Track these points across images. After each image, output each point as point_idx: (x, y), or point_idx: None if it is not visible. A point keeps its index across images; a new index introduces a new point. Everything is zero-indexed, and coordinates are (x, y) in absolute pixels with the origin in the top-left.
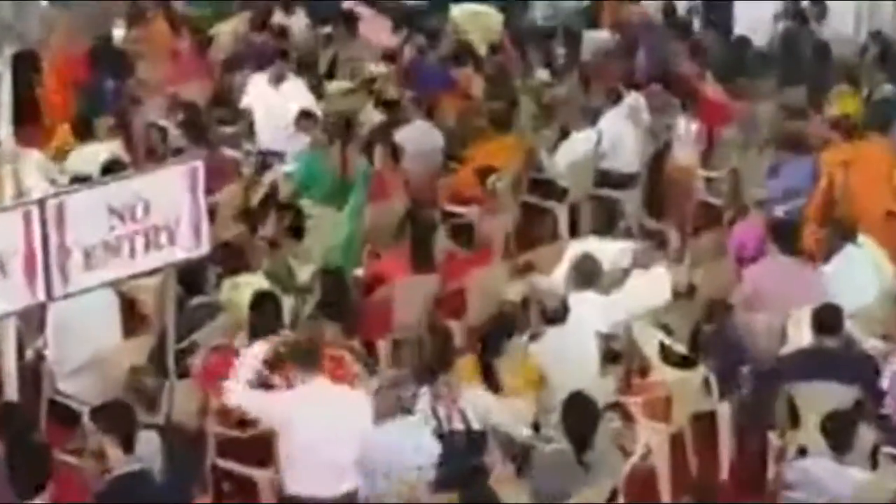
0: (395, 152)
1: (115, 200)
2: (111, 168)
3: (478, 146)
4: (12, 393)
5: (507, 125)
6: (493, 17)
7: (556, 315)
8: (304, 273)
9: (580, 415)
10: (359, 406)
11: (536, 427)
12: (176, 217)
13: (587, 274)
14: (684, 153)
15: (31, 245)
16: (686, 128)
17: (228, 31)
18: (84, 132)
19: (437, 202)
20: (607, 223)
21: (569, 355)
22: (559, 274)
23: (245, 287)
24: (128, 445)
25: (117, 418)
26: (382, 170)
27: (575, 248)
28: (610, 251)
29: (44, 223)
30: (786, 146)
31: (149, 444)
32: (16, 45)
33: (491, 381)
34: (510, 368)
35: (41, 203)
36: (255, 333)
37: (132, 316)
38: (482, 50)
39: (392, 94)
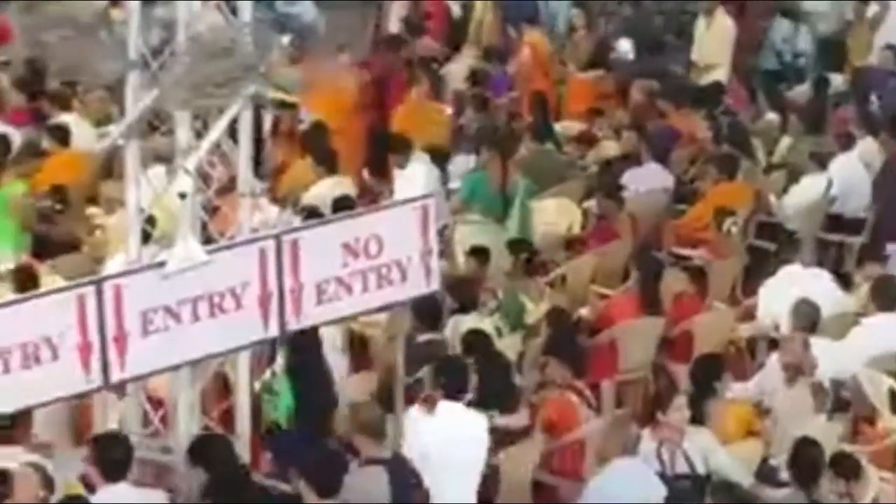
0: (618, 195)
1: (349, 237)
2: (342, 205)
3: (709, 188)
4: (244, 426)
5: (735, 169)
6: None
7: None
8: (535, 313)
9: (808, 459)
10: None
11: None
12: (408, 254)
13: (807, 319)
14: None
15: (266, 280)
16: None
17: (462, 67)
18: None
19: (664, 244)
20: (834, 267)
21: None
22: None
23: (467, 325)
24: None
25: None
26: (607, 211)
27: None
28: (833, 296)
29: (279, 258)
30: None
31: (375, 478)
32: (257, 84)
33: (701, 422)
34: (722, 411)
35: (277, 238)
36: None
37: (360, 351)
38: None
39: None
